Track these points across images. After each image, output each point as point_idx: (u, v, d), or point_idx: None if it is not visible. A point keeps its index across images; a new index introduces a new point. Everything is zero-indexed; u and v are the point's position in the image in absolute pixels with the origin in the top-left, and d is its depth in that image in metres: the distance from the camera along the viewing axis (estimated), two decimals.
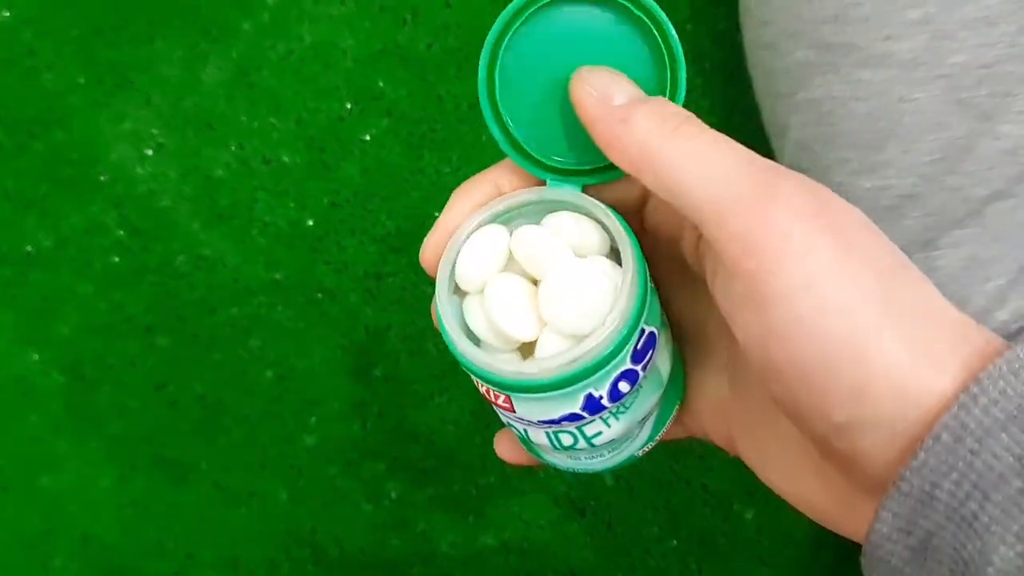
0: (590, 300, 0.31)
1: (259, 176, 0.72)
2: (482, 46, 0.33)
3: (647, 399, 0.34)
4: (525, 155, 0.34)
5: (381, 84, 0.69)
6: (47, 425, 0.77)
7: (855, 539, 0.32)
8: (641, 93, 0.32)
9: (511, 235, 0.33)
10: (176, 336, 0.75)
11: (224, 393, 0.76)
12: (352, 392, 0.75)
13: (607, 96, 0.32)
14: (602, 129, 0.32)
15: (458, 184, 0.35)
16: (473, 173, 0.35)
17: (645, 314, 0.32)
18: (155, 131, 0.71)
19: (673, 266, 0.36)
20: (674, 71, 0.33)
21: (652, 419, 0.35)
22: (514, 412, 0.33)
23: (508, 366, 0.32)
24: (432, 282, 0.33)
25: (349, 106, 0.69)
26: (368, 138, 0.70)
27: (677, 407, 0.37)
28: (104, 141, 0.71)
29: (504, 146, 0.34)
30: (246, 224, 0.73)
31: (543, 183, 0.35)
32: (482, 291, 0.33)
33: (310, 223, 0.73)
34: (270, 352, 0.75)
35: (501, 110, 0.33)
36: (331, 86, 0.69)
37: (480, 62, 0.33)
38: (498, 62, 0.33)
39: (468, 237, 0.33)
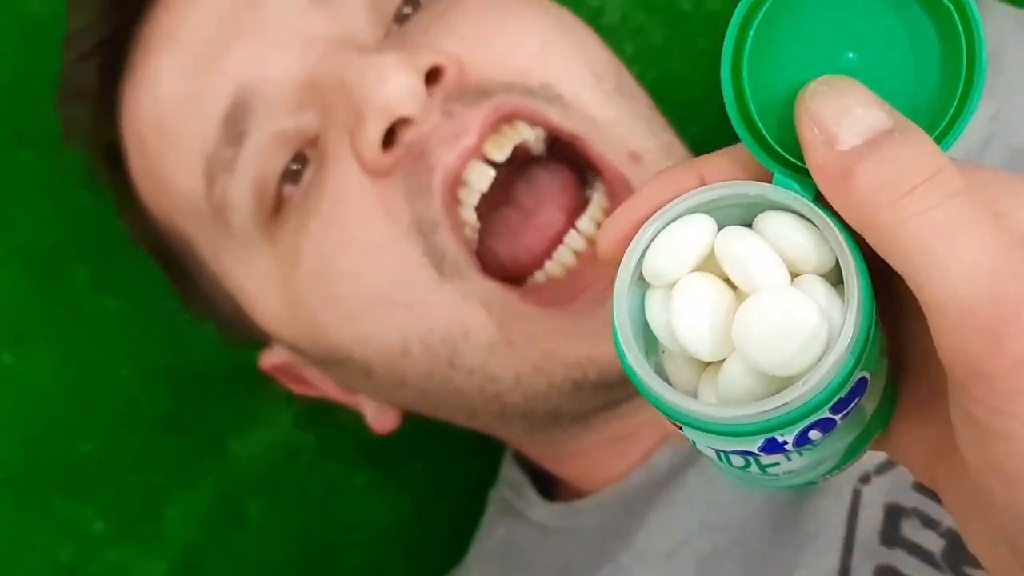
0: (797, 341, 0.26)
1: None
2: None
3: (839, 440, 0.28)
4: (759, 138, 0.28)
5: None
6: None
7: None
8: (885, 122, 0.25)
9: (718, 231, 0.27)
10: None
11: None
12: None
13: (831, 137, 0.25)
14: (821, 180, 0.26)
15: None
16: None
17: (862, 363, 0.26)
18: None
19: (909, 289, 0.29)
20: (970, 71, 0.26)
21: (843, 451, 0.29)
22: (680, 430, 0.28)
23: (680, 400, 0.27)
24: None
25: None
26: None
27: (878, 434, 0.30)
28: None
29: (736, 121, 0.27)
30: None
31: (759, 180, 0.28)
32: (671, 287, 0.28)
33: None
34: None
35: (744, 80, 0.27)
36: None
37: (732, 20, 0.27)
38: (752, 26, 0.27)
39: (669, 222, 0.28)
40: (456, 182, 0.44)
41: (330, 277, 0.45)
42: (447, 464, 0.62)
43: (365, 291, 0.45)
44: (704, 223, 0.28)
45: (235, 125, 0.46)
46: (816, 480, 0.31)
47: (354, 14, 0.47)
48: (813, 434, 0.27)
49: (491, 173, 0.44)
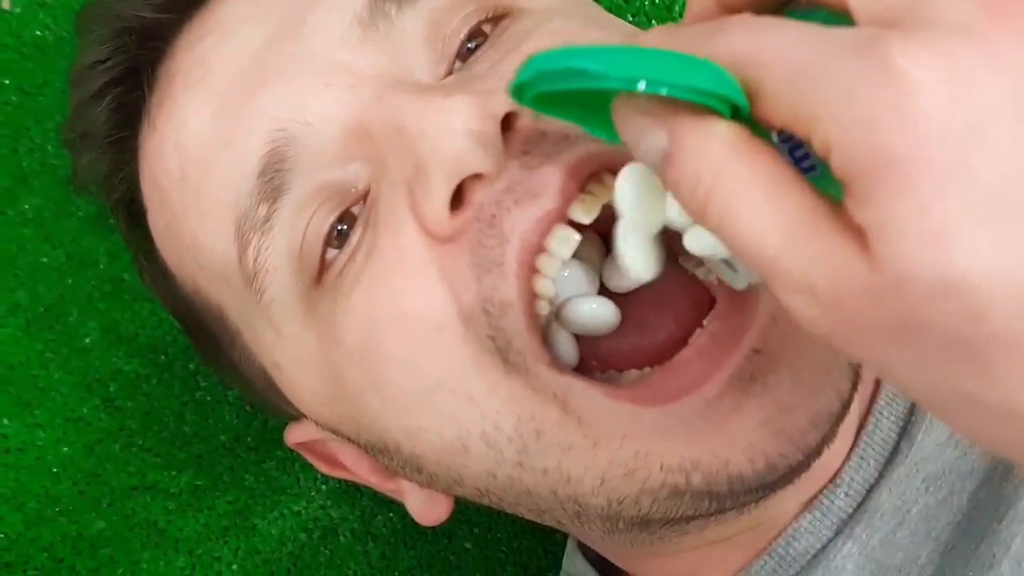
0: None
1: None
2: None
3: None
4: None
5: None
6: None
7: None
8: (662, 144, 0.26)
9: None
10: None
11: None
12: None
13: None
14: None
15: None
16: None
17: None
18: None
19: None
20: None
21: None
22: None
23: None
24: None
25: None
26: None
27: None
28: None
29: None
30: None
31: None
32: None
33: None
34: None
35: None
36: None
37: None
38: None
39: None
40: (534, 251, 0.37)
41: (377, 358, 0.38)
42: (500, 545, 0.56)
43: (418, 378, 0.38)
44: None
45: (272, 178, 0.39)
46: None
47: (412, 48, 0.40)
48: None
49: (576, 238, 0.37)
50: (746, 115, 0.25)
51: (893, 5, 0.23)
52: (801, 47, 0.23)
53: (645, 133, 0.26)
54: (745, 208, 0.24)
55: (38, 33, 0.54)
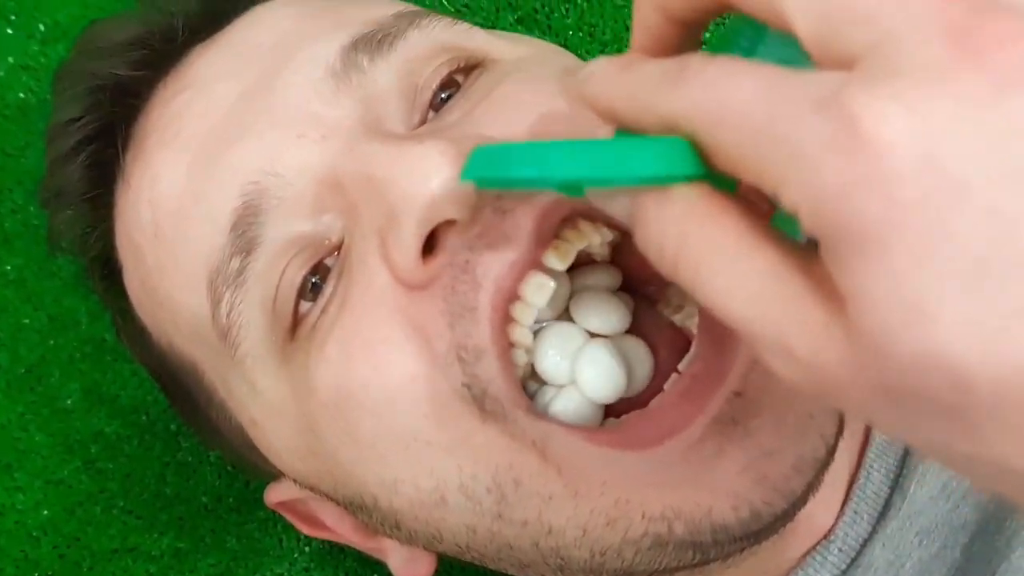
0: None
1: None
2: None
3: None
4: None
5: None
6: None
7: None
8: (625, 211, 0.26)
9: None
10: None
11: None
12: None
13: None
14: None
15: None
16: None
17: None
18: None
19: None
20: None
21: None
22: None
23: None
24: None
25: None
26: None
27: None
28: None
29: None
30: None
31: None
32: None
33: None
34: None
35: None
36: None
37: None
38: None
39: None
40: (508, 298, 0.36)
41: (350, 409, 0.37)
42: None
43: (392, 428, 0.37)
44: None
45: (245, 231, 0.39)
46: None
47: (384, 100, 0.39)
48: None
49: (550, 285, 0.36)
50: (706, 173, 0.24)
51: (852, 41, 0.21)
52: (762, 104, 0.22)
53: (607, 198, 0.26)
54: (713, 273, 0.23)
55: (21, 95, 0.54)
